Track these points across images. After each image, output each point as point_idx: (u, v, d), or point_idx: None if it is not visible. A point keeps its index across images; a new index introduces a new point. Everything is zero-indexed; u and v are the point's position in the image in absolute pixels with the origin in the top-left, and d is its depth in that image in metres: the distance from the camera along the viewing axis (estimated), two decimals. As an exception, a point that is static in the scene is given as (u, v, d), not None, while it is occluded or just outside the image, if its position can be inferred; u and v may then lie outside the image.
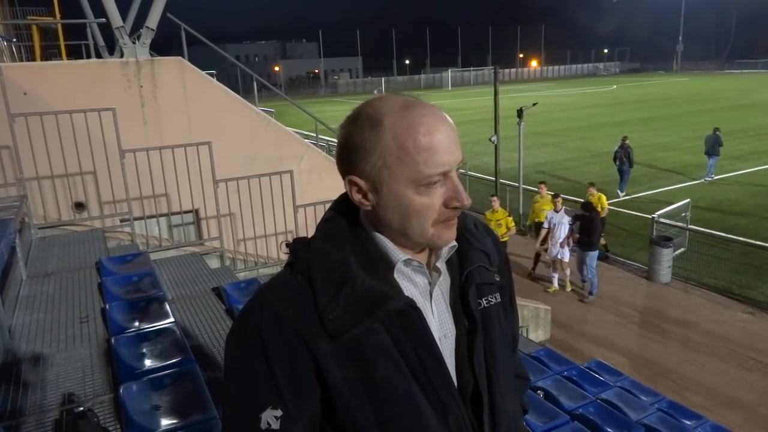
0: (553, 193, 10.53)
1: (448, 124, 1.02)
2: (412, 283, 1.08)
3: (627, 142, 15.39)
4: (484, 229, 1.24)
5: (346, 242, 1.06)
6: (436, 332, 1.07)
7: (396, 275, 1.07)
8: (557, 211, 9.80)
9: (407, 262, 1.07)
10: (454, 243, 1.12)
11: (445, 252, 1.11)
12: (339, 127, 1.07)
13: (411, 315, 1.03)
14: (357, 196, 1.06)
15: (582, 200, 10.67)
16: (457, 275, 1.15)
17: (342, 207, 1.11)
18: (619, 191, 15.57)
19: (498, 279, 1.20)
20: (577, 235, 9.66)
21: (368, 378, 0.99)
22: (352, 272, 1.01)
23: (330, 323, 0.98)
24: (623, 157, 15.32)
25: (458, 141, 1.03)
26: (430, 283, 1.11)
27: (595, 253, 9.53)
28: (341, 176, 1.08)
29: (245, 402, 1.02)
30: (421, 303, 1.07)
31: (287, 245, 1.09)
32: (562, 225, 9.65)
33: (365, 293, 1.00)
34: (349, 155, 1.04)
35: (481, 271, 1.16)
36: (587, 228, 9.50)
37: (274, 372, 0.99)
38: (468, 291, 1.13)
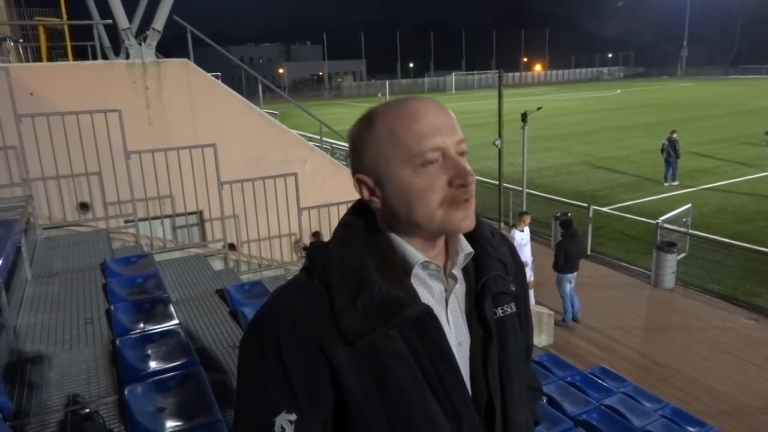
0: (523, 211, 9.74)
1: (439, 109, 1.04)
2: (428, 290, 1.08)
3: (675, 136, 16.75)
4: (500, 238, 1.23)
5: (363, 246, 1.06)
6: (451, 340, 1.07)
7: (413, 280, 1.06)
8: (521, 231, 9.05)
9: (425, 265, 1.07)
10: (471, 250, 1.11)
11: (462, 259, 1.11)
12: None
13: (427, 322, 1.03)
14: (366, 194, 1.07)
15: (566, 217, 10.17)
16: (473, 284, 1.14)
17: (359, 211, 1.11)
18: (665, 182, 16.83)
19: (514, 289, 1.19)
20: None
21: (383, 385, 0.99)
22: (370, 277, 1.01)
23: (346, 329, 0.98)
24: (670, 150, 16.69)
25: (455, 126, 1.04)
26: (446, 290, 1.10)
27: (562, 277, 8.89)
28: (353, 179, 1.10)
29: (259, 405, 1.02)
30: (437, 310, 1.06)
31: (304, 249, 1.10)
32: (529, 245, 9.08)
33: (382, 299, 0.99)
34: (353, 155, 1.09)
35: (497, 281, 1.15)
36: (557, 248, 9.03)
37: (289, 376, 0.99)
38: (484, 300, 1.12)
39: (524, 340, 1.24)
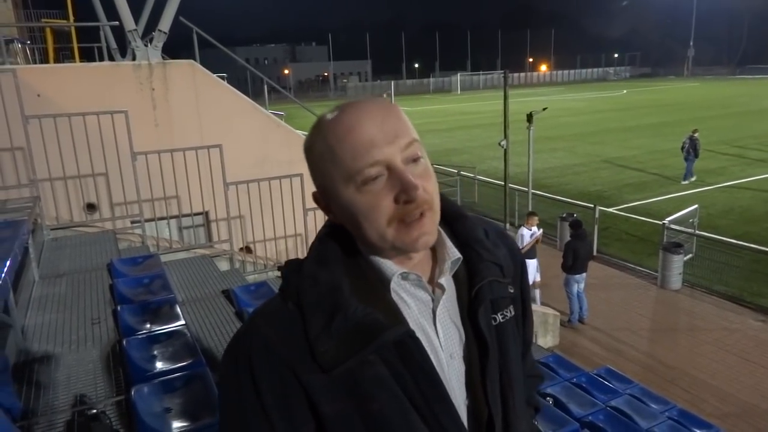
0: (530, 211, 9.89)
1: (377, 114, 0.93)
2: (411, 303, 1.01)
3: (696, 135, 16.94)
4: (497, 236, 1.14)
5: (339, 265, 0.99)
6: (442, 353, 1.01)
7: (393, 295, 0.99)
8: (529, 230, 9.19)
9: (404, 276, 0.99)
10: (458, 256, 1.04)
11: (449, 266, 1.03)
12: None
13: (409, 345, 0.96)
14: (322, 209, 1.02)
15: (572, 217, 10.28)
16: (466, 291, 1.06)
17: (336, 225, 1.03)
18: (683, 180, 17.04)
19: (512, 291, 1.11)
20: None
21: (365, 411, 0.94)
22: (345, 300, 0.95)
23: (322, 356, 0.92)
24: (690, 149, 16.93)
25: (399, 130, 0.93)
26: (433, 300, 1.02)
27: (570, 278, 8.84)
28: None
29: None
30: (422, 324, 1.00)
31: (279, 269, 1.06)
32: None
33: (358, 323, 0.93)
34: (309, 169, 1.02)
35: (493, 286, 1.06)
36: (566, 248, 9.02)
37: (265, 403, 0.94)
38: (478, 309, 1.04)
39: (524, 335, 1.19)
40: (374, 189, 0.92)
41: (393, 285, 0.99)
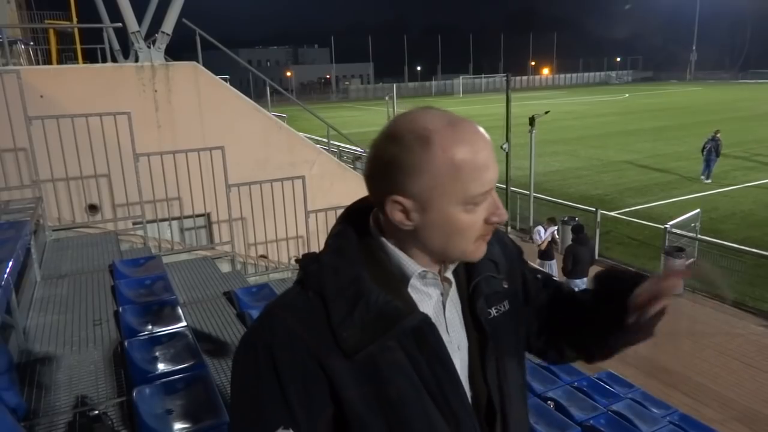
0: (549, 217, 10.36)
1: (489, 141, 1.02)
2: (426, 296, 1.07)
3: (718, 135, 17.53)
4: (492, 236, 1.20)
5: (358, 256, 1.04)
6: (450, 345, 1.07)
7: (410, 289, 1.05)
8: (545, 230, 9.72)
9: (422, 275, 1.06)
10: None
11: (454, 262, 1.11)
12: (374, 144, 1.01)
13: (426, 331, 1.02)
14: (399, 216, 1.00)
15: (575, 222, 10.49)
16: (465, 285, 1.14)
17: (351, 219, 1.09)
18: (702, 178, 17.63)
19: (506, 286, 1.19)
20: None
21: (383, 395, 0.99)
22: (366, 288, 1.00)
23: (344, 341, 0.97)
24: (712, 149, 17.53)
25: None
26: (442, 294, 1.10)
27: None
28: (377, 194, 1.02)
29: (255, 421, 1.00)
30: (435, 316, 1.06)
31: (297, 261, 1.09)
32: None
33: (380, 310, 0.98)
34: (394, 175, 0.98)
35: (488, 281, 1.15)
36: (566, 253, 9.10)
37: (286, 391, 0.98)
38: (476, 302, 1.13)
39: (522, 330, 1.25)
40: (477, 209, 1.01)
41: (412, 281, 1.05)
